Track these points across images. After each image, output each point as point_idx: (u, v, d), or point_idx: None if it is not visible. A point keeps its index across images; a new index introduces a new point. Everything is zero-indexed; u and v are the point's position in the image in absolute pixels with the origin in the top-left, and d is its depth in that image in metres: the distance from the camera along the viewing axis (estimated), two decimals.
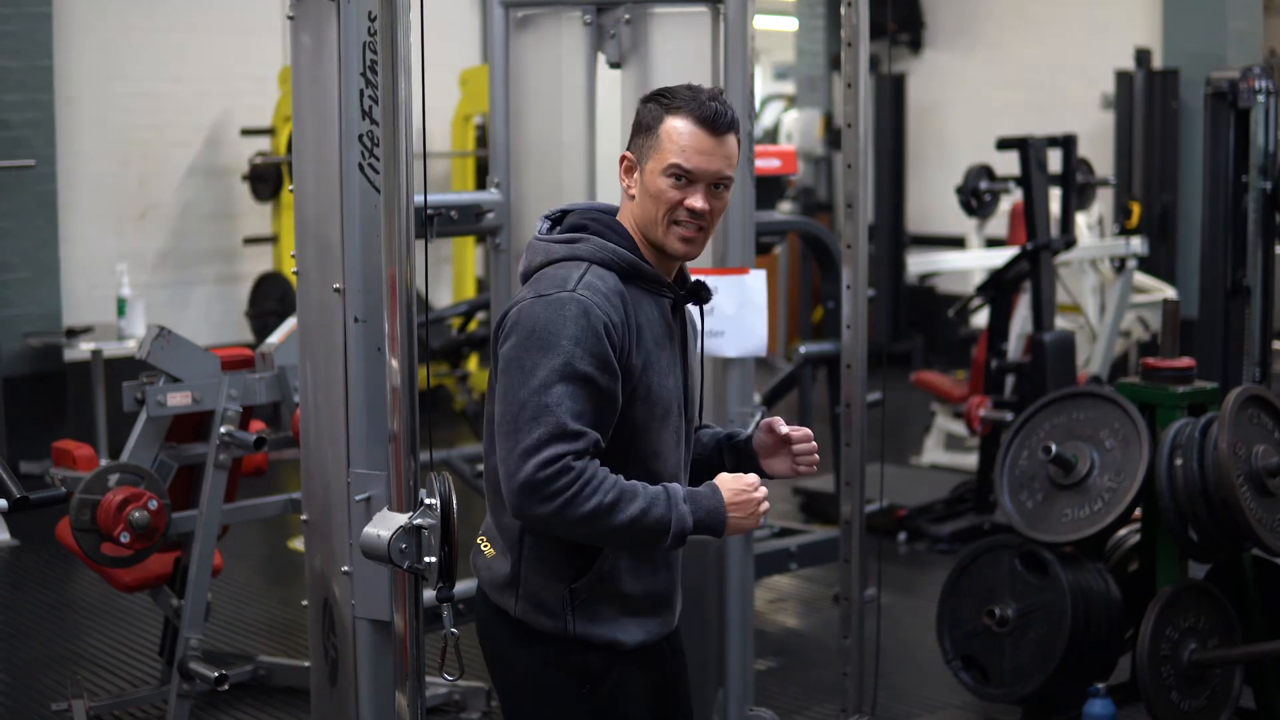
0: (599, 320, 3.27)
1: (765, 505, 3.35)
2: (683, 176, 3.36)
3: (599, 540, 3.33)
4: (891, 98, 14.00)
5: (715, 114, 3.37)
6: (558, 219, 3.53)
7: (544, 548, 3.41)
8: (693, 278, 3.55)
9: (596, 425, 3.26)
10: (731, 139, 3.40)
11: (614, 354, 3.28)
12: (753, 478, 3.35)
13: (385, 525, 3.72)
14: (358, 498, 4.27)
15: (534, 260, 3.44)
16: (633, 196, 3.45)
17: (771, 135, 15.44)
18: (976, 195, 9.99)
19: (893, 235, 13.80)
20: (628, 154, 3.47)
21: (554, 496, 3.20)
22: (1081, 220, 10.39)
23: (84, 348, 9.66)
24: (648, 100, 3.47)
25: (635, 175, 3.44)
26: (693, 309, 3.61)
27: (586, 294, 3.29)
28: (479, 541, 3.56)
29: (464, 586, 4.98)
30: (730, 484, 3.34)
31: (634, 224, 3.45)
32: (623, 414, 3.34)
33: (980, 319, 10.39)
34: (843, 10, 5.10)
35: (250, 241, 11.64)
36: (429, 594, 3.87)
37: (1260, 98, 6.52)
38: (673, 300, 3.48)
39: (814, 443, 3.60)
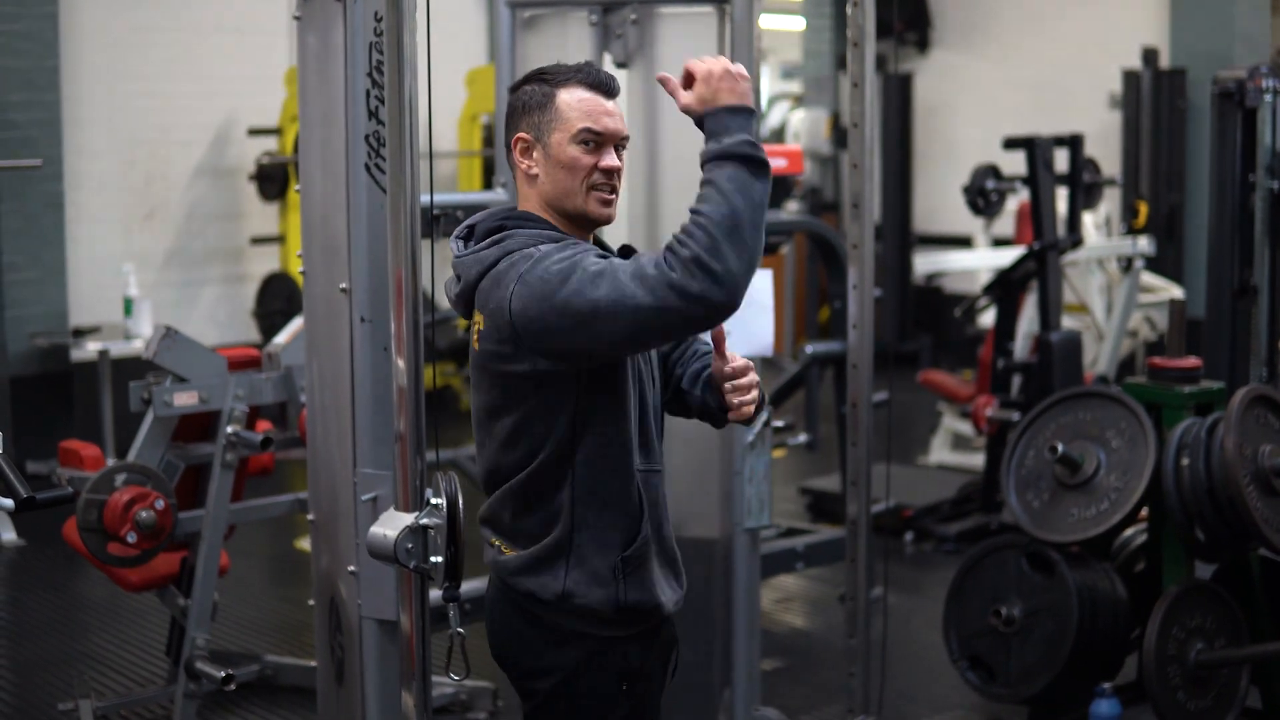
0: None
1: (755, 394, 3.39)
2: (592, 140, 3.40)
3: (759, 227, 3.17)
4: (898, 97, 14.00)
5: (606, 79, 3.45)
6: (466, 235, 3.52)
7: (595, 516, 3.37)
8: (621, 245, 3.58)
9: None
10: (619, 102, 3.48)
11: None
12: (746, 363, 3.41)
13: (392, 525, 3.73)
14: (364, 497, 4.27)
15: (470, 274, 3.41)
16: (535, 175, 3.45)
17: (778, 135, 15.43)
18: (983, 195, 9.99)
19: (899, 235, 13.79)
20: (523, 135, 3.46)
21: (689, 267, 3.09)
22: (1088, 220, 10.39)
23: (91, 348, 9.66)
24: (526, 83, 3.49)
25: (536, 154, 3.45)
26: None
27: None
28: (494, 543, 3.53)
29: (470, 586, 4.98)
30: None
31: (543, 204, 3.46)
32: (583, 389, 3.33)
33: (987, 319, 10.39)
34: (849, 10, 5.10)
35: (257, 241, 11.65)
36: (435, 594, 3.88)
37: (1267, 97, 6.52)
38: None
39: (750, 379, 3.43)
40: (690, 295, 3.07)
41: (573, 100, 3.42)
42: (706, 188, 3.15)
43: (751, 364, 3.44)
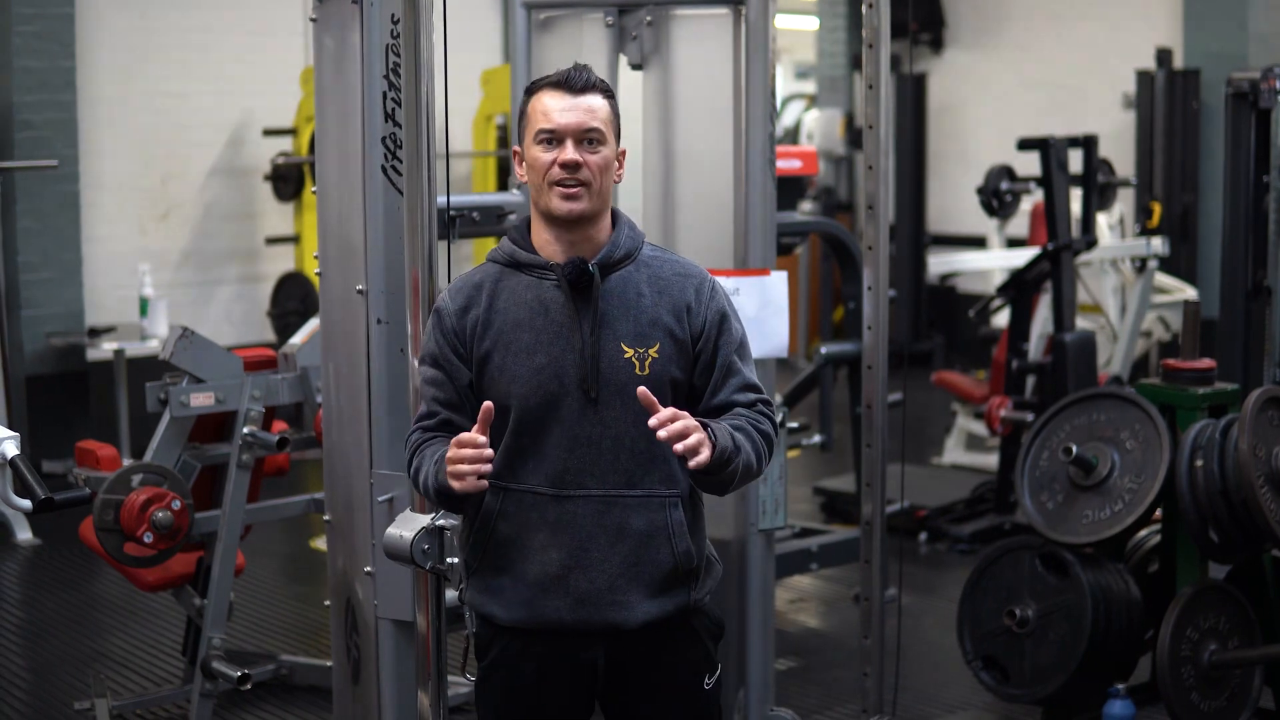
0: (441, 309, 3.59)
1: (472, 468, 3.33)
2: (549, 138, 3.49)
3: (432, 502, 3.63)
4: (913, 97, 14.00)
5: (569, 76, 3.52)
6: None
7: (461, 518, 3.67)
8: (597, 257, 3.53)
9: (442, 399, 3.57)
10: (594, 97, 3.52)
11: (450, 336, 3.55)
12: (476, 438, 3.34)
13: (408, 526, 3.75)
14: (380, 498, 4.29)
15: None
16: (525, 183, 3.58)
17: (792, 135, 15.43)
18: (997, 195, 9.98)
19: (913, 235, 13.79)
20: (515, 148, 3.63)
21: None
22: (1102, 220, 10.38)
23: (106, 347, 9.69)
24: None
25: (523, 163, 3.57)
26: (699, 293, 3.60)
27: (446, 290, 3.64)
28: None
29: None
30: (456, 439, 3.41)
31: (533, 209, 3.58)
32: (484, 388, 3.53)
33: (1001, 319, 10.38)
34: (864, 11, 5.10)
35: (272, 241, 11.67)
36: (451, 594, 3.90)
37: None
38: (556, 281, 3.51)
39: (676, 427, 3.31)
40: None
41: (538, 104, 3.52)
42: (425, 459, 3.58)
43: (679, 413, 3.34)
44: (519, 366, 3.48)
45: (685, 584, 3.59)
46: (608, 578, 3.51)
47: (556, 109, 3.48)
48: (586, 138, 3.48)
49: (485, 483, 3.36)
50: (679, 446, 3.28)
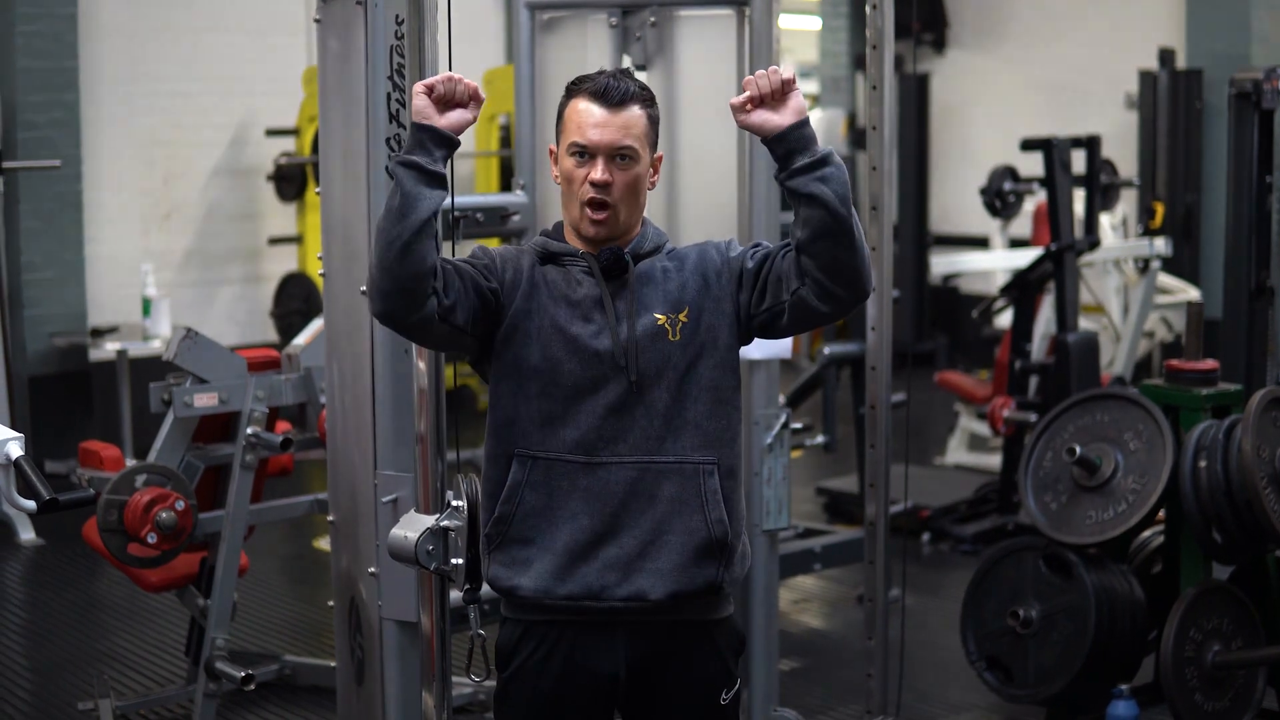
0: (489, 249, 3.60)
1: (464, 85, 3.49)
2: (583, 152, 3.49)
3: (399, 264, 3.39)
4: (915, 97, 13.99)
5: (607, 87, 3.49)
6: None
7: (482, 491, 3.61)
8: (628, 248, 3.58)
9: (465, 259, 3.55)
10: (632, 110, 3.51)
11: (490, 263, 3.53)
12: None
13: (412, 527, 3.75)
14: (384, 499, 4.28)
15: None
16: (559, 184, 3.59)
17: None
18: (1000, 196, 9.99)
19: (916, 236, 13.79)
20: (551, 146, 3.61)
21: None
22: (1105, 221, 10.38)
23: (109, 348, 9.69)
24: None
25: (557, 163, 3.58)
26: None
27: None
28: None
29: (490, 588, 4.99)
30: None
31: (564, 210, 3.60)
32: (515, 350, 3.51)
33: (1004, 320, 10.39)
34: (868, 12, 5.10)
35: (275, 241, 11.67)
36: (455, 595, 3.90)
37: None
38: (586, 267, 3.54)
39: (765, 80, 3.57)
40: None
41: (574, 111, 3.52)
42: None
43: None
44: (552, 333, 3.49)
45: (716, 558, 3.53)
46: (638, 544, 3.50)
47: (591, 123, 3.47)
48: (619, 154, 3.48)
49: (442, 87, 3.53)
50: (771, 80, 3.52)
